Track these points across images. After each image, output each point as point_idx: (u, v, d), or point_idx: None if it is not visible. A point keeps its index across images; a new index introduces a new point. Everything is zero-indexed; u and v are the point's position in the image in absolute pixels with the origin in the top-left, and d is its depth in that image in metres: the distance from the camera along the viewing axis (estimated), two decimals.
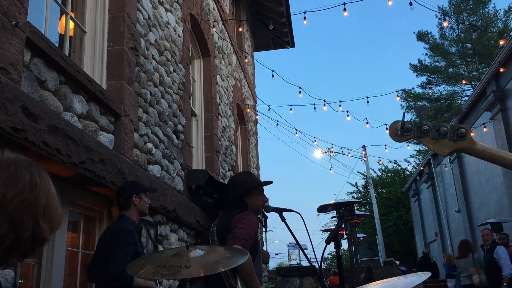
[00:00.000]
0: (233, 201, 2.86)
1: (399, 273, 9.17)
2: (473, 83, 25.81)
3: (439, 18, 26.35)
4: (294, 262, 27.14)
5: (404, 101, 29.36)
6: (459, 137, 1.22)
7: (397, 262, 12.34)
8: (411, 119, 28.81)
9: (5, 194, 1.02)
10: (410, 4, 6.56)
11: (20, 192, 1.04)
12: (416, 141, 1.27)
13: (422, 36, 29.06)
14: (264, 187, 3.03)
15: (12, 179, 1.05)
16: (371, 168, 20.10)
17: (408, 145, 16.64)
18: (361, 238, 17.86)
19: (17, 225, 1.02)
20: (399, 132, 1.25)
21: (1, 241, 1.01)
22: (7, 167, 1.07)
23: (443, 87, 29.36)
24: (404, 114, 1.26)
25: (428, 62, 29.29)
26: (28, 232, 1.04)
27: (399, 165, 27.20)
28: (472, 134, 1.23)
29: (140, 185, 3.17)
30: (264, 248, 12.53)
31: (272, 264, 32.82)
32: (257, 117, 12.05)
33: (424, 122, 1.23)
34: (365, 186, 25.38)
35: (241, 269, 2.50)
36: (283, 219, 2.52)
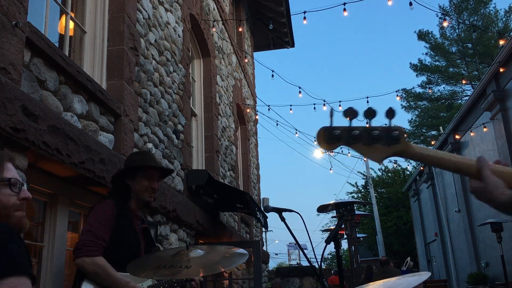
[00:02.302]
0: (113, 182, 2.59)
1: (398, 272, 9.14)
2: (473, 83, 25.81)
3: (440, 18, 26.36)
4: (294, 262, 27.17)
5: (404, 101, 29.39)
6: (393, 141, 1.10)
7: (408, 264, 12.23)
8: (414, 117, 28.84)
9: None
10: (410, 4, 6.56)
11: None
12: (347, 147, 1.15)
13: (422, 36, 29.07)
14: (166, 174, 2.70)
15: None
16: (371, 168, 20.13)
17: None
18: (361, 238, 17.85)
19: None
20: (328, 139, 1.11)
21: None
22: None
23: (443, 87, 29.40)
24: (331, 118, 1.12)
25: (429, 62, 29.31)
26: None
27: (399, 165, 27.16)
28: (405, 135, 1.12)
29: None
30: (264, 248, 12.53)
31: (272, 264, 32.83)
32: (257, 117, 12.05)
33: (354, 127, 1.11)
34: (365, 186, 25.37)
35: (90, 275, 2.25)
36: (282, 219, 2.50)
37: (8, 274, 1.09)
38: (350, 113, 1.11)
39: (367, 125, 1.12)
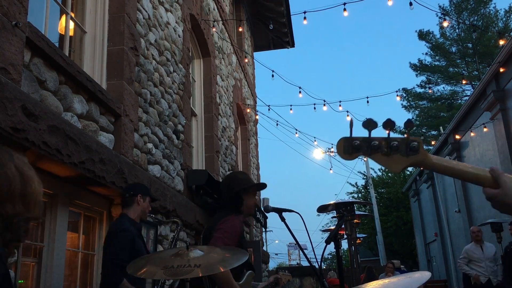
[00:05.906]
0: (231, 196, 2.83)
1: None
2: (473, 83, 25.80)
3: (440, 18, 26.35)
4: (294, 262, 27.18)
5: (404, 101, 29.37)
6: (412, 152, 1.12)
7: (402, 266, 12.24)
8: (412, 118, 28.83)
9: None
10: (410, 4, 6.54)
11: None
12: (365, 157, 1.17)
13: (423, 35, 29.05)
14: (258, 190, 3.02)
15: None
16: (371, 168, 20.13)
17: None
18: (361, 238, 17.82)
19: None
20: (348, 150, 1.14)
21: None
22: None
23: (443, 87, 29.38)
24: (351, 128, 1.14)
25: (429, 62, 29.30)
26: None
27: None
28: (423, 147, 1.15)
29: (148, 190, 3.24)
30: (264, 248, 12.53)
31: (272, 264, 32.79)
32: (257, 117, 12.05)
33: (373, 137, 1.13)
34: (365, 186, 25.38)
35: (217, 278, 2.43)
36: (283, 219, 2.50)
37: None
38: (370, 124, 1.13)
39: (386, 136, 1.14)
